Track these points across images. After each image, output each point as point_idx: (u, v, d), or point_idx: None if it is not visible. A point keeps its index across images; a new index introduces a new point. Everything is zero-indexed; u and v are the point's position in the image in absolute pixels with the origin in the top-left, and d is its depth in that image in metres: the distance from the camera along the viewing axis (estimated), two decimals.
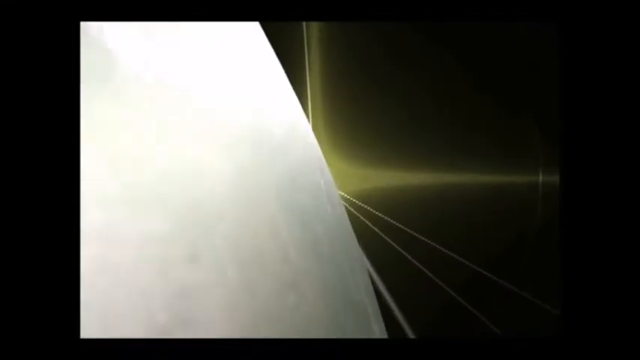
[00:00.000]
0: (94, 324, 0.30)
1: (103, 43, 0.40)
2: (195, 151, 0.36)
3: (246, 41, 0.56)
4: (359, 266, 0.61)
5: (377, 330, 0.59)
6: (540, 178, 1.84)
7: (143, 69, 0.40)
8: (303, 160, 0.53)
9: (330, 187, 0.60)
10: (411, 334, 1.59)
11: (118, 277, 0.30)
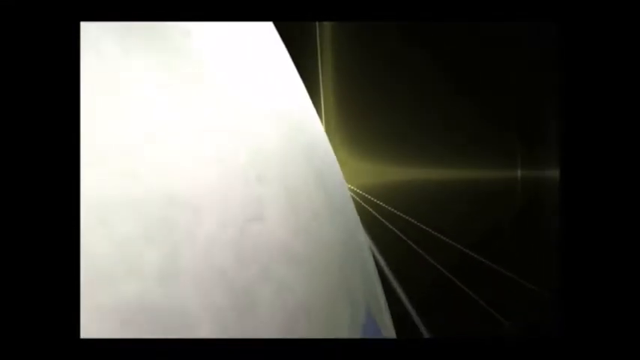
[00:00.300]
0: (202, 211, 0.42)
1: (192, 45, 0.55)
2: (256, 122, 0.56)
3: (261, 41, 0.71)
4: (359, 222, 0.83)
5: (371, 267, 0.78)
6: (519, 173, 2.25)
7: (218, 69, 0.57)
8: (315, 137, 0.73)
9: (335, 161, 0.82)
10: (405, 300, 1.98)
11: (224, 185, 0.46)
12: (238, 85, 0.57)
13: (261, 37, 0.70)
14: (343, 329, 0.56)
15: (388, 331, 0.75)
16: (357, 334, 0.58)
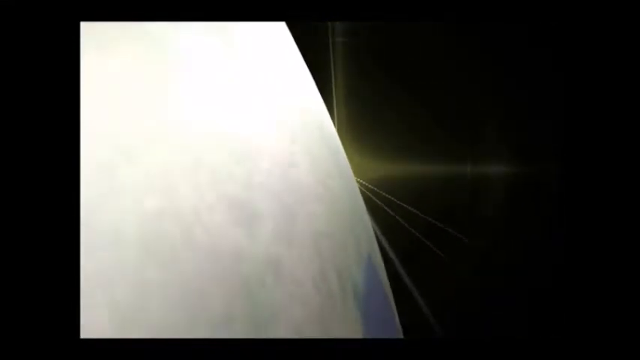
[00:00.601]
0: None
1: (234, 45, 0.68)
2: (284, 106, 0.73)
3: (274, 42, 0.84)
4: (359, 194, 1.04)
5: (370, 229, 0.97)
6: (468, 169, 2.95)
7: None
8: (323, 120, 0.93)
9: (340, 144, 1.01)
10: (393, 257, 2.75)
11: (272, 141, 0.64)
12: (271, 79, 0.76)
13: (279, 41, 0.87)
14: (351, 258, 0.76)
15: (382, 274, 0.98)
16: (360, 268, 0.78)
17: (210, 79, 0.59)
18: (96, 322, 0.37)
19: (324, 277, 0.61)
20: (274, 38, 0.82)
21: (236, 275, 0.48)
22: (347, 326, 0.64)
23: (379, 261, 0.96)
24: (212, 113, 0.56)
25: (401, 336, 0.93)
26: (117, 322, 0.38)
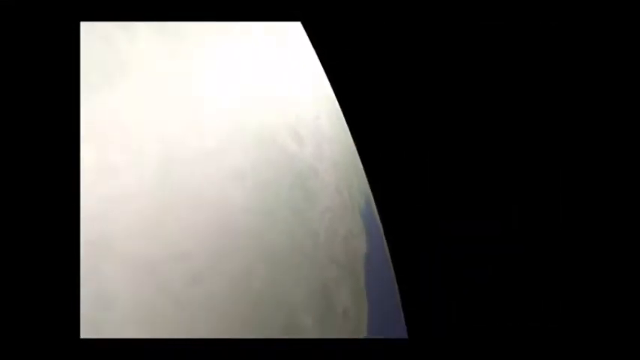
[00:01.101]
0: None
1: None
2: (314, 90, 0.99)
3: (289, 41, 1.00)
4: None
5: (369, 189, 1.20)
6: None
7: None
8: (332, 96, 1.13)
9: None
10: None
11: (308, 115, 0.92)
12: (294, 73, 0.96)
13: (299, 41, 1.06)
14: (355, 190, 1.00)
15: (377, 219, 1.18)
16: (361, 199, 1.02)
17: (264, 72, 0.83)
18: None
19: (340, 190, 0.93)
20: (294, 39, 1.04)
21: (296, 168, 0.78)
22: (355, 226, 0.93)
23: (375, 211, 1.22)
24: (282, 86, 0.86)
25: (388, 256, 1.17)
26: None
